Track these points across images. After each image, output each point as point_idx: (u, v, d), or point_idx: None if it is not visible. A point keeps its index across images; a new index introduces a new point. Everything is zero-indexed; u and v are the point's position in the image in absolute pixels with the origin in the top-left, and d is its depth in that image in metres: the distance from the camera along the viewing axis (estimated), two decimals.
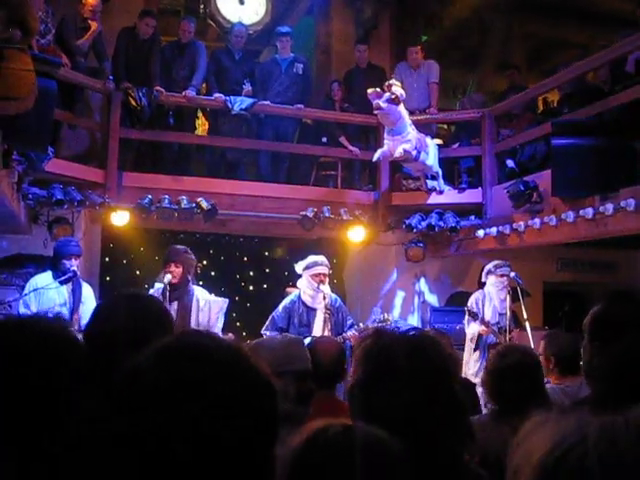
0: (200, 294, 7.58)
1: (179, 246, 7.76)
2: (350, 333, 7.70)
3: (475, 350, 8.40)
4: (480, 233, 9.40)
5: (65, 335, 1.99)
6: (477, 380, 8.05)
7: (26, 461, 1.75)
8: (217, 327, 7.52)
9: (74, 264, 7.29)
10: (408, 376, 1.89)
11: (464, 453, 1.99)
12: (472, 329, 8.42)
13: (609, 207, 7.30)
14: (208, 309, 7.46)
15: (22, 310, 7.17)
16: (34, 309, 7.10)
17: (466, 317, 8.47)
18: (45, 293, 7.21)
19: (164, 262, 7.50)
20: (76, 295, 7.29)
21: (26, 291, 7.35)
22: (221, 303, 7.98)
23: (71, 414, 1.87)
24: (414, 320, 10.53)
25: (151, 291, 7.39)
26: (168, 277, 7.22)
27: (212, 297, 7.72)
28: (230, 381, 1.30)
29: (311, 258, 7.90)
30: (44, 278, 7.36)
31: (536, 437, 1.04)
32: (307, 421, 2.19)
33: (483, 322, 8.27)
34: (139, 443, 1.26)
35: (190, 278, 7.69)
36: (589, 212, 7.57)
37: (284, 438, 1.72)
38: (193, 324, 7.25)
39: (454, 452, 1.93)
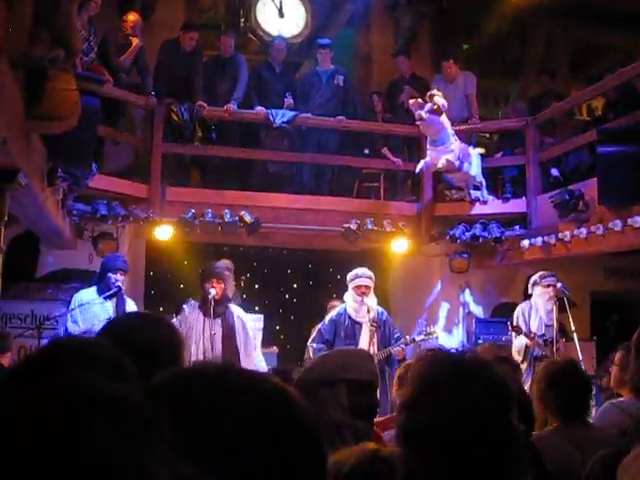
0: (238, 312, 7.63)
1: (221, 263, 7.77)
2: (396, 348, 7.62)
3: (522, 362, 8.28)
4: (525, 243, 9.27)
5: None
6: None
7: None
8: (258, 344, 7.58)
9: (119, 279, 7.33)
10: (448, 398, 1.81)
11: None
12: (519, 341, 8.28)
13: None
14: (245, 327, 7.50)
15: (70, 326, 7.24)
16: (81, 325, 7.15)
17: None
18: (90, 308, 7.25)
19: (205, 277, 7.47)
20: (120, 311, 7.23)
21: (72, 306, 7.41)
22: (257, 321, 8.05)
23: None
24: (459, 332, 10.43)
25: (185, 307, 7.43)
26: (213, 292, 7.25)
27: (247, 315, 7.81)
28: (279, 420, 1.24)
29: (355, 270, 7.86)
30: (89, 293, 7.42)
31: None
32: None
33: (527, 335, 8.14)
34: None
35: (230, 296, 7.75)
36: (637, 220, 7.42)
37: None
38: (238, 342, 7.32)
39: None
